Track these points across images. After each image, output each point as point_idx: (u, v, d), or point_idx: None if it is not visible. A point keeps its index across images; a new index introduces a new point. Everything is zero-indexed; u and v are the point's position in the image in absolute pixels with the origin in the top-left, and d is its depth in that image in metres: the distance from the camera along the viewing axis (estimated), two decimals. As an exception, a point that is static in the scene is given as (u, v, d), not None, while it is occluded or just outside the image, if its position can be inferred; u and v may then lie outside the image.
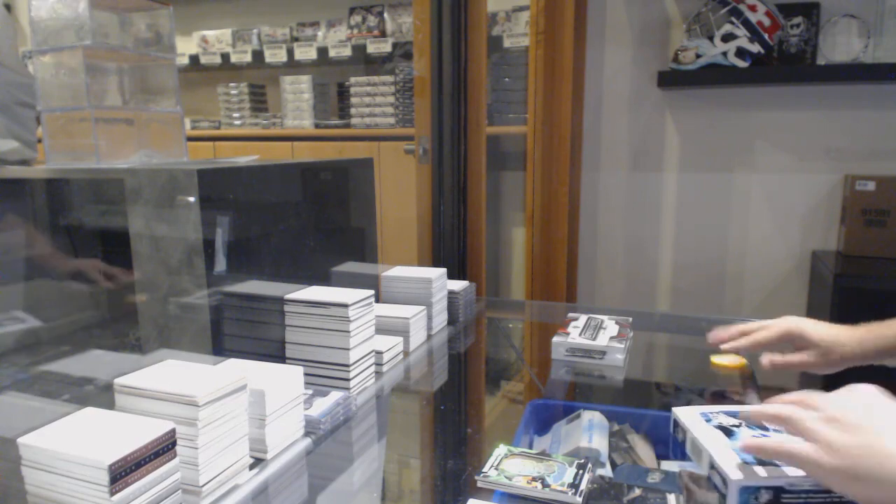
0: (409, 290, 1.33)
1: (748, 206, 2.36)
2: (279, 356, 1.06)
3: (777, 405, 0.68)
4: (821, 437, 0.61)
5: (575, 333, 1.26)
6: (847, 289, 1.92)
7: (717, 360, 1.19)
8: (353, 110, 3.07)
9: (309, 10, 3.37)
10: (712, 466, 0.69)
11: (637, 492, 0.76)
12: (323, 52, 3.19)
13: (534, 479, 0.76)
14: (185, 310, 0.94)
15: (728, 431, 0.74)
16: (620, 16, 2.41)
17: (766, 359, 0.97)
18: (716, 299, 2.43)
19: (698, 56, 2.14)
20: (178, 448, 0.66)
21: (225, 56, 3.40)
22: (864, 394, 0.65)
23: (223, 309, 0.96)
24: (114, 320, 1.23)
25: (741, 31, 2.07)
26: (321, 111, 3.23)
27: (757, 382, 1.11)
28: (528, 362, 1.40)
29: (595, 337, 1.24)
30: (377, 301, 1.19)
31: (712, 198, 2.39)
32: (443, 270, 1.37)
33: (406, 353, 1.22)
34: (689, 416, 0.78)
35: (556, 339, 1.24)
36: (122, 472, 0.60)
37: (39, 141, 1.19)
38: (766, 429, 0.74)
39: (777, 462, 0.66)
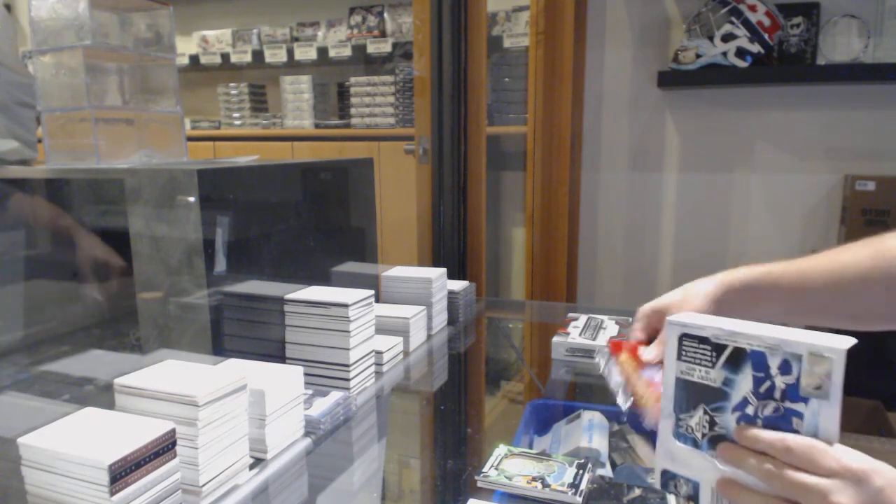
0: (409, 290, 1.33)
1: (748, 206, 2.36)
2: (279, 356, 1.06)
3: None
4: None
5: (575, 333, 1.26)
6: (847, 289, 1.91)
7: None
8: (353, 110, 3.07)
9: (309, 10, 3.37)
10: None
11: (637, 492, 0.76)
12: (323, 52, 3.19)
13: (534, 479, 0.76)
14: (185, 310, 0.94)
15: None
16: (620, 16, 2.41)
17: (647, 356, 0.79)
18: (716, 299, 2.42)
19: (698, 56, 2.14)
20: (178, 448, 0.66)
21: (225, 56, 3.40)
22: None
23: (223, 309, 0.96)
24: (114, 320, 1.23)
25: (741, 31, 2.07)
26: (321, 111, 3.23)
27: None
28: (528, 362, 1.40)
29: (595, 337, 1.24)
30: (377, 301, 1.19)
31: (712, 198, 2.39)
32: (443, 270, 1.37)
33: (406, 353, 1.22)
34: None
35: (556, 339, 1.24)
36: (122, 472, 0.60)
37: (39, 141, 1.19)
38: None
39: None
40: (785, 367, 0.53)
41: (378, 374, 1.11)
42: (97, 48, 1.09)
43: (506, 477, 0.77)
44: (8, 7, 3.52)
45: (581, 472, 0.78)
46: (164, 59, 1.23)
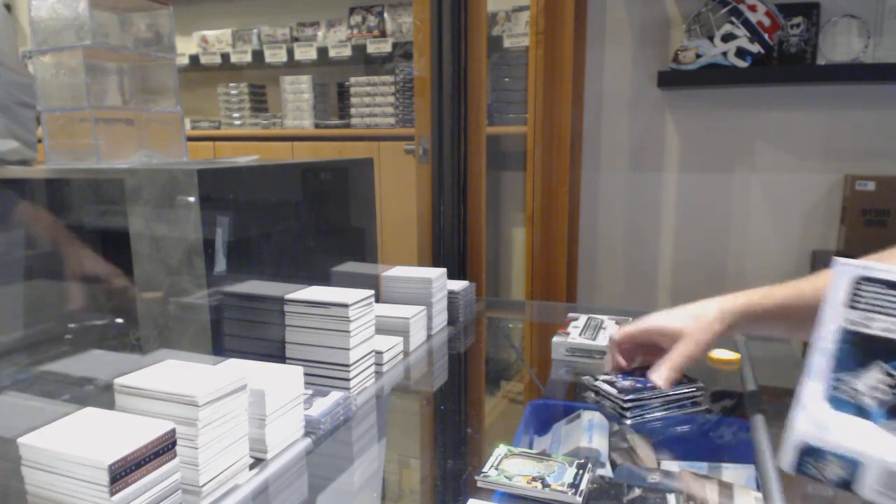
0: (409, 290, 1.33)
1: (748, 206, 2.36)
2: (279, 356, 1.06)
3: None
4: None
5: (575, 333, 1.26)
6: (847, 289, 1.91)
7: (712, 354, 1.19)
8: (353, 110, 3.07)
9: (309, 10, 3.37)
10: None
11: (637, 492, 0.76)
12: (323, 52, 3.19)
13: (534, 479, 0.76)
14: (185, 310, 0.94)
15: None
16: (620, 16, 2.41)
17: (658, 380, 0.93)
18: (716, 299, 2.42)
19: (698, 56, 2.14)
20: (178, 448, 0.66)
21: (225, 56, 3.40)
22: None
23: (223, 309, 0.96)
24: (114, 320, 1.23)
25: (741, 31, 2.07)
26: (321, 111, 3.23)
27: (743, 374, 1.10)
28: (528, 362, 1.40)
29: (595, 337, 1.24)
30: (377, 301, 1.19)
31: (712, 198, 2.39)
32: (443, 270, 1.37)
33: (406, 353, 1.22)
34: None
35: (556, 339, 1.24)
36: (122, 472, 0.60)
37: (39, 141, 1.19)
38: None
39: None
40: None
41: (378, 374, 1.11)
42: (97, 48, 1.09)
43: (506, 477, 0.77)
44: (8, 7, 3.52)
45: (581, 472, 0.78)
46: (164, 59, 1.23)
